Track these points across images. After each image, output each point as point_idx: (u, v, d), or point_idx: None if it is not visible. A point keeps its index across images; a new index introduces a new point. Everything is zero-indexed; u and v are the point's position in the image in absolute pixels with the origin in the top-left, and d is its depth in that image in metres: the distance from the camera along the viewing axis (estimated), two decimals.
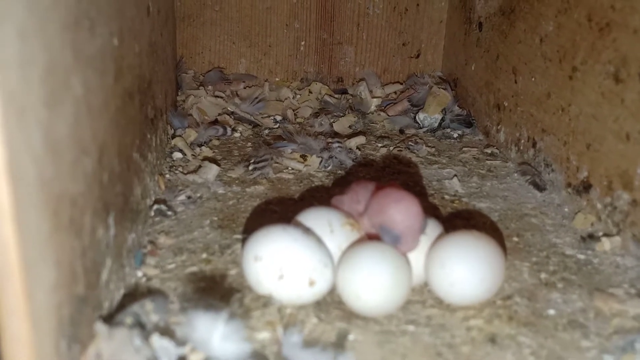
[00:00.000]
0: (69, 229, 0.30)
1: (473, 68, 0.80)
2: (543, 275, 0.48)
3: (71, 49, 0.31)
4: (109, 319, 0.37)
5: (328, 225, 0.46)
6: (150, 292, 0.43)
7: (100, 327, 0.34)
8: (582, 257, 0.51)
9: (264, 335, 0.40)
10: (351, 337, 0.41)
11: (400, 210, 0.44)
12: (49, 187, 0.28)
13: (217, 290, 0.45)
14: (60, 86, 0.29)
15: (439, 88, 0.82)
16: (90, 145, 0.34)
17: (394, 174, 0.67)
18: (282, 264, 0.42)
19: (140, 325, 0.35)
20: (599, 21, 0.54)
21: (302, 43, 0.90)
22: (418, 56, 0.92)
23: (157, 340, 0.34)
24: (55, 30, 0.29)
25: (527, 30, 0.66)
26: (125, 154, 0.44)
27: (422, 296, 0.46)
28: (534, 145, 0.65)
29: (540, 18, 0.64)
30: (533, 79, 0.65)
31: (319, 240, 0.44)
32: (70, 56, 0.31)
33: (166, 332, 0.37)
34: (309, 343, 0.39)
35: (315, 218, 0.46)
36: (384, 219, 0.44)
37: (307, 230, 0.44)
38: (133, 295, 0.43)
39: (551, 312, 0.44)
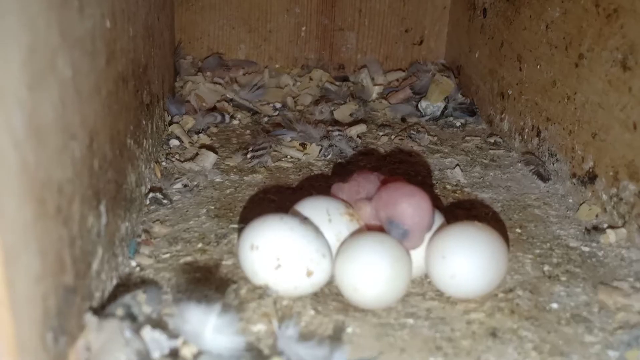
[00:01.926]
0: (56, 217, 0.29)
1: (477, 55, 0.79)
2: (546, 268, 0.47)
3: (58, 29, 0.30)
4: (100, 309, 0.36)
5: (326, 215, 0.44)
6: (144, 283, 0.42)
7: (90, 319, 0.33)
8: (586, 249, 0.50)
9: (259, 327, 0.39)
10: (349, 329, 0.40)
11: (412, 205, 0.43)
12: (33, 174, 0.26)
13: (212, 281, 0.44)
14: (45, 67, 0.28)
15: (442, 76, 0.80)
16: (79, 131, 0.33)
17: (396, 163, 0.66)
18: (279, 254, 0.41)
19: (131, 316, 0.34)
20: (607, 7, 0.52)
21: (303, 29, 0.88)
22: (421, 43, 0.90)
23: (148, 332, 0.33)
24: (38, 9, 0.28)
25: (533, 17, 0.65)
26: (118, 140, 0.43)
27: (422, 288, 0.45)
28: (538, 134, 0.64)
29: (546, 4, 0.62)
30: (538, 67, 0.64)
31: (317, 230, 0.43)
32: (57, 36, 0.30)
33: (158, 324, 0.36)
34: (305, 336, 0.38)
35: (313, 207, 0.45)
36: (393, 212, 0.43)
37: (305, 220, 0.43)
38: (126, 285, 0.42)
39: (554, 305, 0.43)
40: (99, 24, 0.38)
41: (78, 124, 0.33)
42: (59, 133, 0.30)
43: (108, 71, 0.40)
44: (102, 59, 0.39)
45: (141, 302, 0.36)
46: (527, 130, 0.66)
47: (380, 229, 0.44)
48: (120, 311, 0.34)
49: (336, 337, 0.38)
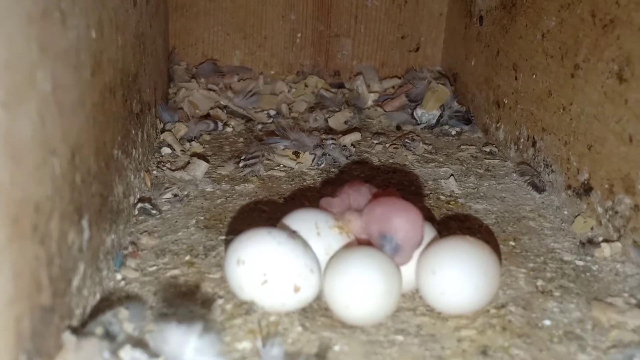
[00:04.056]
0: (32, 237, 0.29)
1: (473, 63, 0.78)
2: (540, 283, 0.46)
3: (37, 43, 0.29)
4: (81, 327, 0.35)
5: (315, 228, 0.44)
6: (128, 297, 0.41)
7: (68, 338, 0.32)
8: (580, 263, 0.49)
9: (244, 345, 0.38)
10: (336, 347, 0.39)
11: (408, 220, 0.42)
12: (7, 194, 0.26)
13: (199, 296, 0.43)
14: (22, 83, 0.27)
15: (438, 83, 0.79)
16: (59, 146, 0.32)
17: (389, 172, 0.65)
18: (266, 269, 0.40)
19: (111, 335, 0.33)
20: (603, 17, 0.52)
21: (298, 35, 0.87)
22: (417, 50, 0.89)
23: (128, 352, 0.32)
24: (16, 25, 0.27)
25: (529, 26, 0.64)
26: (104, 152, 0.42)
27: (413, 303, 0.44)
28: (533, 144, 0.63)
29: (542, 13, 0.61)
30: (534, 76, 0.63)
31: (305, 245, 0.42)
32: (36, 51, 0.29)
33: (140, 342, 0.35)
34: (291, 355, 0.37)
35: (302, 220, 0.44)
36: (387, 226, 0.42)
37: (293, 234, 0.42)
38: (110, 300, 0.41)
39: (547, 322, 0.42)
40: (84, 35, 0.37)
41: (59, 139, 0.32)
42: (37, 150, 0.29)
43: (93, 83, 0.39)
44: (87, 71, 0.38)
45: (123, 320, 0.35)
46: (522, 140, 0.66)
47: (370, 243, 0.44)
48: (99, 330, 0.33)
49: (322, 356, 0.38)
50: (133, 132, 0.53)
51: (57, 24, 0.32)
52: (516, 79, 0.67)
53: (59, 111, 0.32)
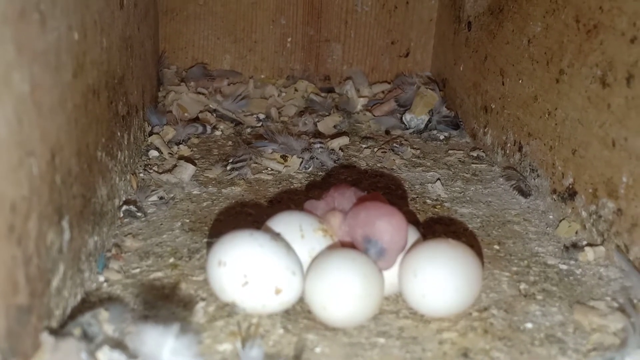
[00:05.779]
0: (8, 237, 0.28)
1: (462, 68, 0.78)
2: (522, 286, 0.47)
3: (13, 43, 0.29)
4: (60, 328, 0.35)
5: (299, 230, 0.44)
6: (110, 299, 0.41)
7: (46, 338, 0.32)
8: (564, 267, 0.49)
9: (225, 346, 0.38)
10: (317, 349, 0.39)
11: (393, 224, 0.42)
12: None
13: (181, 298, 0.43)
14: None
15: (427, 88, 0.80)
16: (38, 146, 0.32)
17: (377, 176, 0.65)
18: (247, 270, 0.40)
19: (89, 336, 0.33)
20: (587, 23, 0.52)
21: (289, 39, 0.88)
22: (407, 55, 0.90)
23: (106, 352, 0.32)
24: None
25: (515, 31, 0.64)
26: (86, 153, 0.42)
27: (396, 306, 0.44)
28: (520, 149, 0.64)
29: (529, 18, 0.62)
30: (520, 81, 0.63)
31: (288, 247, 0.42)
32: (12, 51, 0.29)
33: (120, 343, 0.35)
34: (271, 356, 0.37)
35: (286, 222, 0.44)
36: (372, 231, 0.42)
37: (276, 236, 0.42)
38: (91, 301, 0.41)
39: (529, 325, 0.42)
40: (65, 37, 0.37)
41: (37, 140, 0.32)
42: (13, 150, 0.29)
43: (75, 84, 0.39)
44: (68, 72, 0.38)
45: (102, 321, 0.35)
46: (509, 144, 0.66)
47: (353, 245, 0.44)
48: (77, 330, 0.33)
49: (298, 357, 0.38)
50: (119, 134, 0.53)
51: (35, 25, 0.32)
52: (503, 84, 0.67)
53: (37, 112, 0.32)
